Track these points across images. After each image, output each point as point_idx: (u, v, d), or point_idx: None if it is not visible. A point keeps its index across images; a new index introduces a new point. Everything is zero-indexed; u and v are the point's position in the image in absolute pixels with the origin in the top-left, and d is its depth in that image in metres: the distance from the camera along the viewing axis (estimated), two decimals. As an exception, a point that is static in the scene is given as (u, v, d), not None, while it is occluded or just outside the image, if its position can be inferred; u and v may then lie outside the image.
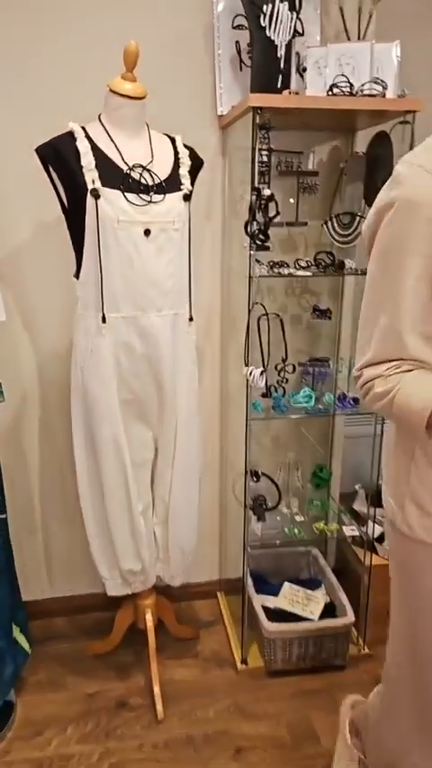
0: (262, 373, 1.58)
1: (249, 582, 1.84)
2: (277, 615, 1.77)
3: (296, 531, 1.81)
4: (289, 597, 1.87)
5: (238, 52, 1.59)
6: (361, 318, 0.91)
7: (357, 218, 1.64)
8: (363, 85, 1.39)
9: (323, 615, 1.78)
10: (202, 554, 1.94)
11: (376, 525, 1.87)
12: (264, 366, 1.64)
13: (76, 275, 1.37)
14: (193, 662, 1.82)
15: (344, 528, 1.84)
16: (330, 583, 1.91)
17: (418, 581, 0.99)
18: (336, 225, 1.68)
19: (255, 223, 1.47)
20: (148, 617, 1.72)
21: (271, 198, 1.48)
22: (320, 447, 2.01)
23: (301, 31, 1.54)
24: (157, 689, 1.63)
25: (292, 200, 1.72)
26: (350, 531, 1.83)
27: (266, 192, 1.48)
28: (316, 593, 1.88)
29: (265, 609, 1.78)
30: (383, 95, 1.40)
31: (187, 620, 1.96)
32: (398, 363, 0.85)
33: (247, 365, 1.56)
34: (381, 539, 1.87)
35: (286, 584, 1.91)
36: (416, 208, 0.78)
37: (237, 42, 1.58)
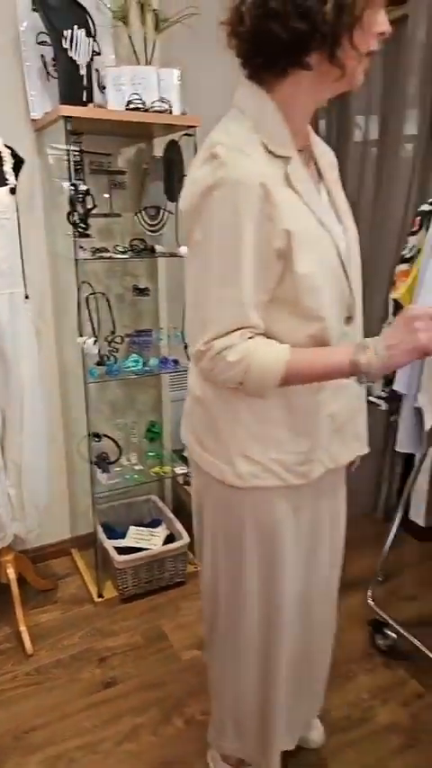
0: (95, 342, 1.86)
1: (100, 528, 2.12)
2: (126, 552, 2.07)
3: (136, 476, 2.13)
4: (135, 537, 2.18)
5: (45, 65, 1.82)
6: (195, 294, 0.93)
7: (162, 210, 1.99)
8: (153, 103, 1.72)
9: (165, 545, 2.13)
10: (53, 515, 2.16)
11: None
12: (95, 337, 1.92)
13: None
14: (54, 606, 2.04)
15: (175, 469, 2.20)
16: (169, 519, 2.26)
17: (248, 524, 1.07)
18: (145, 216, 2.00)
19: (75, 214, 1.73)
20: (10, 571, 1.91)
21: (87, 192, 1.76)
22: (152, 406, 2.34)
23: (98, 51, 1.83)
24: (23, 628, 1.84)
25: (106, 196, 2.01)
26: (180, 470, 2.20)
27: (82, 187, 1.75)
28: (157, 530, 2.22)
29: (116, 549, 2.07)
30: (170, 112, 1.75)
31: (46, 577, 2.17)
32: (243, 332, 0.90)
33: (81, 336, 1.83)
34: (206, 476, 2.26)
35: (131, 527, 2.22)
36: (243, 186, 0.84)
37: (42, 56, 1.81)
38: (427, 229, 1.44)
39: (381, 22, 0.86)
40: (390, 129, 2.31)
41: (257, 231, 0.85)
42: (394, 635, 1.76)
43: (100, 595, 2.05)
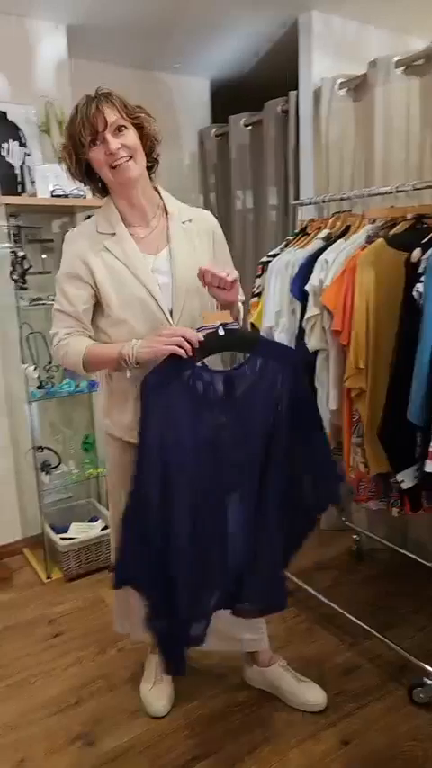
0: (35, 369, 2.39)
1: (46, 524, 2.58)
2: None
3: (74, 477, 2.62)
4: (76, 530, 2.65)
5: (-12, 166, 2.42)
6: None
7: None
8: (71, 190, 2.34)
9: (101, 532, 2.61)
10: (5, 520, 2.62)
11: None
12: (35, 365, 2.45)
13: None
14: (9, 590, 2.47)
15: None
16: (104, 515, 2.74)
17: (120, 460, 1.55)
18: (71, 272, 2.58)
19: (16, 273, 2.30)
20: (-29, 558, 2.34)
21: (24, 257, 2.33)
22: (86, 422, 2.86)
23: (29, 153, 2.44)
24: (-15, 601, 2.27)
25: (44, 256, 2.58)
26: (110, 471, 2.71)
27: (20, 252, 2.32)
28: (95, 524, 2.70)
29: (61, 539, 2.54)
30: (85, 197, 2.37)
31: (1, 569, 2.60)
32: (66, 331, 1.45)
33: (24, 363, 2.36)
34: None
35: (73, 524, 2.69)
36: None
37: (-14, 159, 2.41)
38: (265, 272, 2.11)
39: (99, 152, 1.35)
40: (260, 200, 3.03)
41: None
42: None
43: (48, 577, 2.51)
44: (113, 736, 1.70)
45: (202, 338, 1.33)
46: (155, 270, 1.45)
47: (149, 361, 1.35)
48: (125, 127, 1.37)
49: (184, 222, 1.51)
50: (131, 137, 1.38)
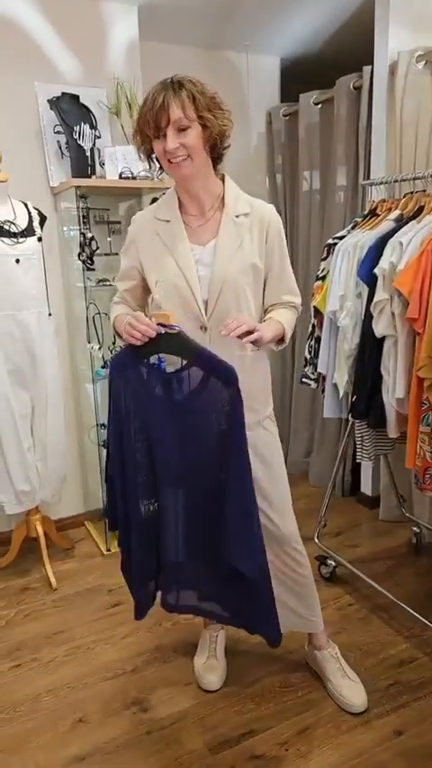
0: (99, 349, 2.46)
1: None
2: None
3: (134, 455, 2.69)
4: (135, 506, 2.72)
5: (60, 148, 2.47)
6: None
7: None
8: (139, 172, 2.37)
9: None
10: (69, 493, 2.72)
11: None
12: (100, 344, 2.52)
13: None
14: (72, 560, 2.59)
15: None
16: (163, 493, 2.81)
17: None
18: (136, 254, 2.63)
19: (84, 254, 2.36)
20: (38, 526, 2.46)
21: (92, 238, 2.38)
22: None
23: (99, 135, 2.49)
24: (48, 566, 2.38)
25: (109, 239, 2.64)
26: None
27: (89, 234, 2.38)
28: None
29: (120, 513, 2.62)
30: (153, 179, 2.39)
31: (65, 540, 2.71)
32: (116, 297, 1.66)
33: (89, 342, 2.43)
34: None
35: (133, 500, 2.77)
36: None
37: (58, 141, 2.47)
38: (330, 255, 2.05)
39: (159, 146, 1.36)
40: (328, 181, 2.96)
41: None
42: (333, 563, 2.29)
43: (108, 549, 2.60)
44: (167, 705, 1.75)
45: (154, 335, 1.35)
46: (198, 261, 1.46)
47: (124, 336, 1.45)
48: (188, 126, 1.35)
49: (237, 216, 1.48)
50: (192, 136, 1.35)
